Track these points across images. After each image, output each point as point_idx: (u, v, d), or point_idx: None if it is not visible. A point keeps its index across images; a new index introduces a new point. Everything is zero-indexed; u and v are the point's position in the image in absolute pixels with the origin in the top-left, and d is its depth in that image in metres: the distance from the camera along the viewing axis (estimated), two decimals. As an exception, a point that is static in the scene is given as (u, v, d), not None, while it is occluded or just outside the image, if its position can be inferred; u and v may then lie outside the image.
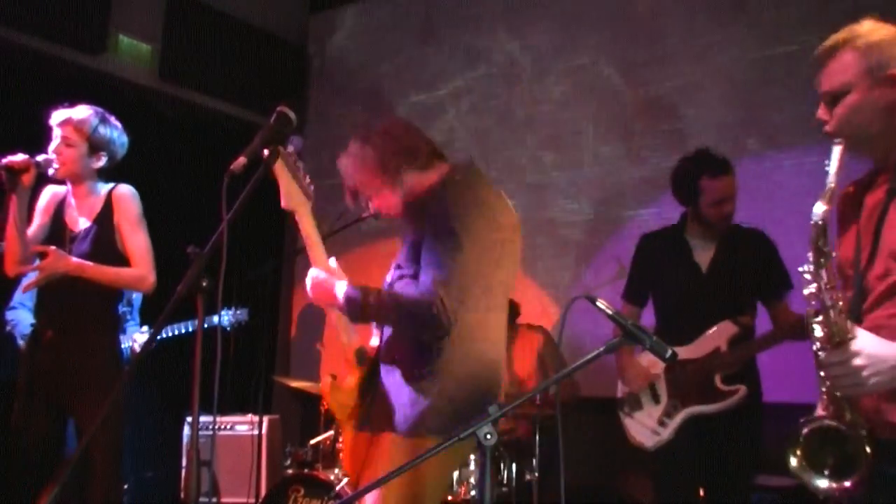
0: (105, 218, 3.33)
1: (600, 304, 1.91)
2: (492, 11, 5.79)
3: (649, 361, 3.49)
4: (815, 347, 1.90)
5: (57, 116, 3.34)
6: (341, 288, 2.45)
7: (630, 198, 5.03)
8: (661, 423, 3.42)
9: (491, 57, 5.74)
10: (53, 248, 3.19)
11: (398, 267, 2.53)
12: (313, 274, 2.55)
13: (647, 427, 3.45)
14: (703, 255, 3.49)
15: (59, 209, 3.40)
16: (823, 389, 1.93)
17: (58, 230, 3.37)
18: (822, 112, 2.04)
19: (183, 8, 5.69)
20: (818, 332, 1.88)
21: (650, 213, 4.80)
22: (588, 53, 5.35)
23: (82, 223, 3.35)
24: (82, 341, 3.23)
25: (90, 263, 3.22)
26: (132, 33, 5.51)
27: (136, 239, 3.32)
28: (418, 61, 6.06)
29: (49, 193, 3.44)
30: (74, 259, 3.20)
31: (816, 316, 1.89)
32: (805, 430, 1.90)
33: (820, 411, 1.96)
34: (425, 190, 2.52)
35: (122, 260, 3.33)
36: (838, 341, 1.83)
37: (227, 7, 5.97)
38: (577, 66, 5.38)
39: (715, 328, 3.39)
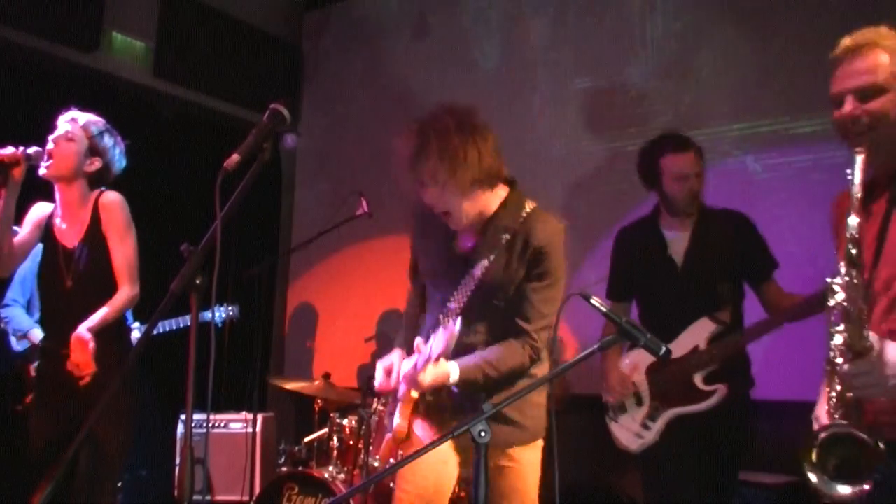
0: (95, 232, 3.29)
1: (594, 301, 1.91)
2: (486, 8, 5.79)
3: (631, 365, 3.46)
4: (832, 355, 1.89)
5: (66, 115, 3.33)
6: (455, 372, 2.50)
7: (624, 196, 5.03)
8: (645, 426, 3.39)
9: (486, 54, 5.74)
10: (75, 336, 3.14)
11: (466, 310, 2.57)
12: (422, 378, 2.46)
13: (630, 431, 3.42)
14: (678, 247, 3.44)
15: (49, 226, 3.35)
16: (833, 395, 1.92)
17: (50, 248, 3.33)
18: (852, 106, 2.01)
19: (177, 5, 5.68)
20: (837, 340, 1.88)
21: (641, 208, 4.80)
22: (581, 54, 5.36)
23: (74, 238, 3.30)
24: (97, 355, 3.21)
25: (96, 319, 3.18)
26: (126, 31, 5.49)
27: (122, 250, 3.27)
28: (413, 59, 6.05)
29: (38, 209, 3.39)
30: (84, 331, 3.15)
31: (838, 325, 1.88)
32: (823, 436, 1.89)
33: (823, 414, 1.96)
34: (503, 210, 2.58)
35: (112, 268, 3.30)
36: (859, 350, 1.83)
37: (222, 4, 5.96)
38: (570, 66, 5.39)
39: (692, 326, 3.34)
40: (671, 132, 3.57)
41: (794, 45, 4.54)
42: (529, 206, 2.59)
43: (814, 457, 1.88)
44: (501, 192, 2.61)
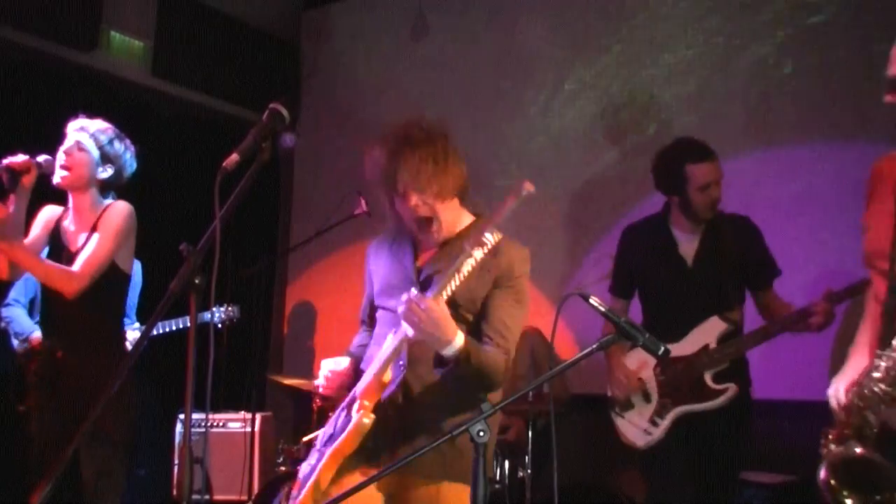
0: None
1: (593, 301, 1.91)
2: (484, 7, 5.79)
3: (638, 362, 3.46)
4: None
5: (74, 123, 3.32)
6: (461, 335, 2.29)
7: (622, 194, 5.04)
8: (653, 423, 3.39)
9: (483, 53, 5.74)
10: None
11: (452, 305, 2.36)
12: (431, 303, 2.23)
13: (638, 427, 3.43)
14: (688, 247, 3.44)
15: (57, 229, 3.36)
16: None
17: (55, 249, 3.32)
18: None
19: (175, 4, 5.67)
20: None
21: (642, 209, 4.80)
22: (580, 53, 5.36)
23: (79, 241, 3.30)
24: (93, 359, 3.20)
25: (22, 245, 3.13)
26: (124, 30, 5.48)
27: (99, 246, 3.21)
28: (412, 57, 6.05)
29: (47, 211, 3.40)
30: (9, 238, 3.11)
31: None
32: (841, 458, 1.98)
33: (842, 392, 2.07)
34: (472, 229, 2.49)
35: (115, 273, 3.27)
36: None
37: (220, 3, 5.96)
38: (568, 66, 5.39)
39: (703, 325, 3.35)
40: (689, 138, 3.47)
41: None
42: (497, 234, 2.45)
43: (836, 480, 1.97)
44: (468, 217, 2.57)
